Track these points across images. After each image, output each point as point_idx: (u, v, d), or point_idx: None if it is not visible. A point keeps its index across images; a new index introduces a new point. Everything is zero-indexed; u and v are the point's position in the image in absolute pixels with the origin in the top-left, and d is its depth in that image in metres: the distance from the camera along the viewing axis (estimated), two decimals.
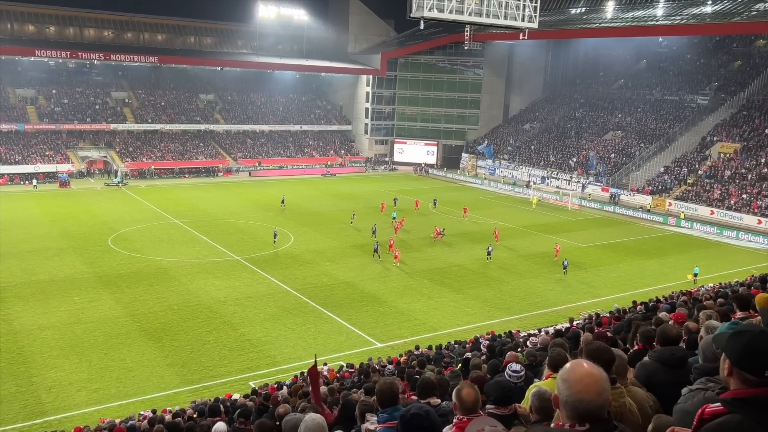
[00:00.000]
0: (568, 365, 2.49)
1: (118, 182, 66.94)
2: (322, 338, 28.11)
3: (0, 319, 28.65)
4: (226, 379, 23.88)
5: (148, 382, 23.27)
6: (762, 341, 2.40)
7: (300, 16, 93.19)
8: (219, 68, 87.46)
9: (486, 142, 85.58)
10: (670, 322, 6.60)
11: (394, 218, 51.43)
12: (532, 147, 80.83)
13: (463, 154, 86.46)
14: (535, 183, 72.03)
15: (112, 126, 76.62)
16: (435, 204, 60.45)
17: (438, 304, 33.39)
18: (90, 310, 30.43)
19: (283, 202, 57.33)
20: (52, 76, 79.47)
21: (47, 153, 70.35)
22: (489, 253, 42.05)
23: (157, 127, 79.86)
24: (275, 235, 43.79)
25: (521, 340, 18.28)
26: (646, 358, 4.27)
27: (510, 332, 23.67)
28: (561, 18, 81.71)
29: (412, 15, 25.96)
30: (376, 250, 40.97)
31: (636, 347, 6.16)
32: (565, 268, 39.44)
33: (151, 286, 34.13)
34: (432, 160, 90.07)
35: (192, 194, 63.49)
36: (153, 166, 73.44)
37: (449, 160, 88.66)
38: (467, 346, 20.76)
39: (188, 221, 50.69)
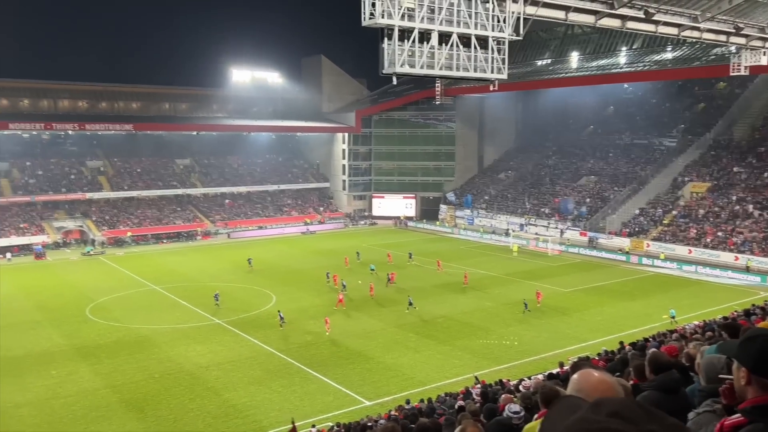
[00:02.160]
0: (576, 376, 2.35)
1: (89, 251, 65.97)
2: (308, 399, 27.41)
3: None
4: None
5: None
6: None
7: (274, 78, 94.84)
8: (195, 133, 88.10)
9: (456, 192, 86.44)
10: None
11: (372, 270, 52.14)
12: (509, 195, 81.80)
13: (441, 206, 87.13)
14: (514, 231, 72.57)
15: (88, 195, 76.10)
16: (411, 257, 60.15)
17: (425, 357, 32.91)
18: (68, 383, 29.44)
19: (250, 262, 56.88)
20: (26, 149, 79.21)
21: (21, 225, 69.40)
22: (526, 306, 41.16)
23: (134, 193, 79.51)
24: (216, 298, 43.30)
25: (513, 386, 18.00)
26: (646, 391, 4.18)
27: (500, 381, 23.33)
28: (528, 70, 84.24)
29: (384, 72, 26.46)
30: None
31: (630, 383, 6.05)
32: (526, 306, 40.58)
33: (131, 355, 33.24)
34: (411, 212, 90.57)
35: (170, 259, 62.75)
36: (130, 233, 72.71)
37: (428, 212, 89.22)
38: (458, 397, 20.38)
39: (167, 287, 49.89)
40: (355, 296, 45.31)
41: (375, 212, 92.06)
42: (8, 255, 62.87)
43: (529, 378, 21.89)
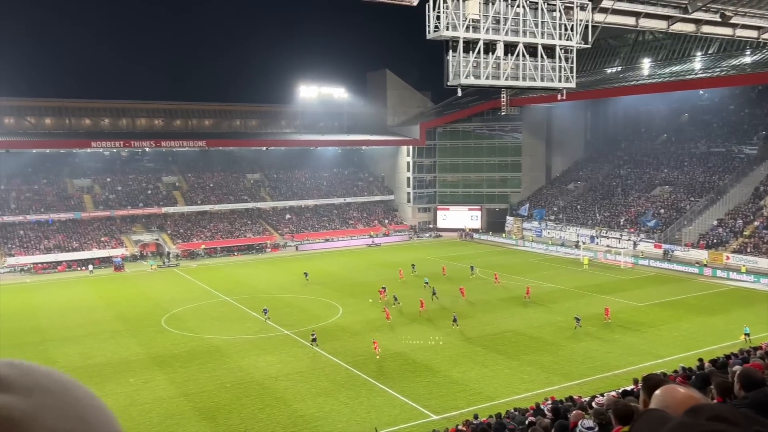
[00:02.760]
0: (660, 392, 2.23)
1: (152, 264, 68.40)
2: (375, 412, 27.44)
3: None
4: None
5: None
6: None
7: (340, 93, 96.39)
8: (264, 148, 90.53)
9: (528, 205, 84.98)
10: None
11: (426, 284, 51.71)
12: (578, 206, 79.85)
13: (508, 217, 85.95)
14: (584, 243, 70.72)
15: (164, 209, 79.32)
16: (473, 270, 59.37)
17: (493, 372, 32.40)
18: (145, 391, 30.58)
19: (306, 276, 57.44)
20: (106, 165, 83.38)
21: (102, 239, 72.95)
22: (578, 322, 40.06)
23: (206, 207, 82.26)
24: (265, 312, 43.98)
25: (585, 403, 17.46)
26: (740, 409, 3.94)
27: (571, 397, 22.68)
28: (598, 78, 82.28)
29: (449, 84, 26.47)
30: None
31: (714, 401, 5.77)
32: (578, 322, 39.19)
33: (204, 365, 34.24)
34: (476, 224, 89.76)
35: (241, 271, 64.42)
36: (203, 246, 75.19)
37: (494, 224, 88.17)
38: (528, 413, 19.94)
39: (238, 298, 51.21)
40: (437, 306, 45.17)
41: (439, 224, 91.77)
42: (90, 267, 66.11)
43: (602, 395, 21.19)
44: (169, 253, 72.68)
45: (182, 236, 76.81)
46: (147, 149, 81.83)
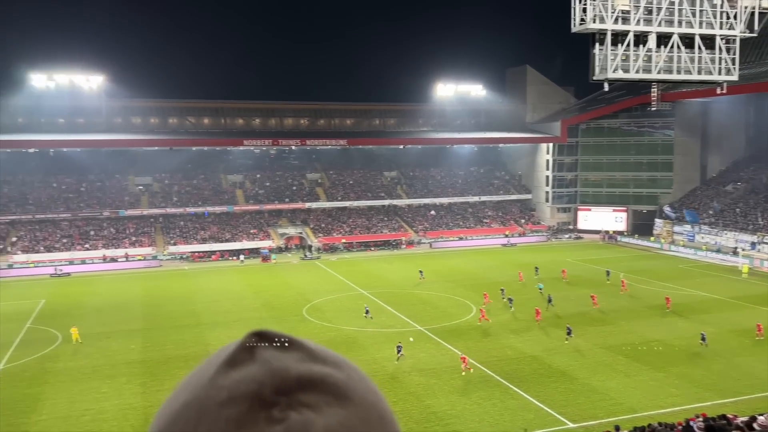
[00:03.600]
0: None
1: (274, 258, 71.34)
2: (509, 415, 26.98)
3: None
4: None
5: None
6: None
7: (477, 91, 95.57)
8: (401, 147, 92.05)
9: (674, 205, 79.13)
10: None
11: (540, 289, 49.44)
12: (738, 210, 73.16)
13: (656, 220, 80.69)
14: (743, 249, 64.70)
15: (307, 204, 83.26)
16: (608, 275, 56.02)
17: (636, 382, 30.63)
18: None
19: (421, 274, 57.16)
20: (256, 162, 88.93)
21: (252, 231, 78.00)
22: (703, 339, 36.65)
23: (346, 204, 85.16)
24: (367, 311, 43.94)
25: (742, 423, 16.00)
26: None
27: (724, 416, 20.87)
28: (763, 70, 74.75)
29: (594, 78, 25.34)
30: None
31: None
32: (703, 339, 35.57)
33: (341, 355, 35.41)
34: (620, 226, 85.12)
35: (377, 266, 66.03)
36: (343, 241, 77.96)
37: (640, 227, 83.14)
38: (675, 429, 18.64)
39: (374, 292, 52.52)
40: (561, 313, 43.73)
41: (580, 225, 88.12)
42: (241, 257, 70.91)
43: (761, 415, 19.32)
44: (311, 246, 76.15)
45: (323, 230, 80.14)
46: (293, 147, 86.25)
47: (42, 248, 69.56)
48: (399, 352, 33.50)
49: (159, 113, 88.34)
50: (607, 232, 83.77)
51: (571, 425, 25.80)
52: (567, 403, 28.15)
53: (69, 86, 78.64)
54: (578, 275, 57.62)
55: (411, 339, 33.18)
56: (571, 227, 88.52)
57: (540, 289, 49.75)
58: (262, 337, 1.18)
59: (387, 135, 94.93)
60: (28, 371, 33.91)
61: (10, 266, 65.68)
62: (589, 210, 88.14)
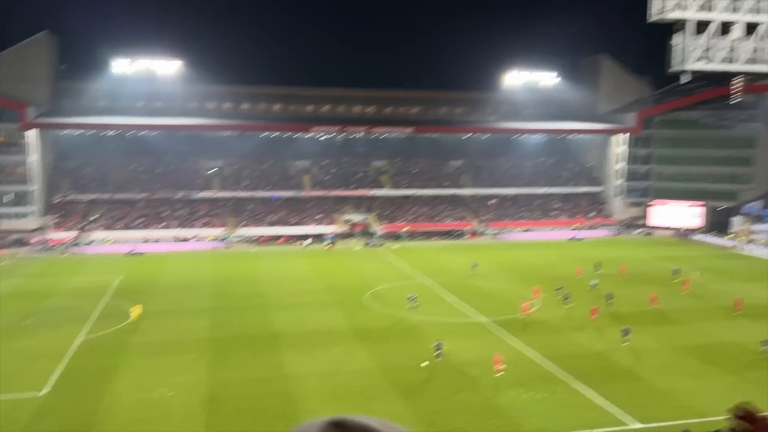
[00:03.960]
0: None
1: (330, 241, 71.96)
2: (571, 412, 26.51)
3: (275, 364, 32.31)
4: None
5: None
6: None
7: (547, 79, 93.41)
8: (468, 135, 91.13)
9: (757, 204, 75.14)
10: None
11: (593, 286, 48.15)
12: None
13: (734, 217, 76.97)
14: None
15: (372, 192, 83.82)
16: (676, 273, 53.71)
17: (707, 385, 29.47)
18: (348, 361, 32.78)
19: (474, 266, 56.41)
20: (323, 149, 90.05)
21: (317, 216, 79.23)
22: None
23: (410, 192, 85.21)
24: (412, 299, 43.39)
25: None
26: None
27: None
28: None
29: (672, 70, 24.32)
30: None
31: None
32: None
33: (401, 342, 35.72)
34: (695, 223, 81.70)
35: (440, 256, 65.89)
36: (406, 229, 78.12)
37: (717, 224, 79.54)
38: None
39: (436, 281, 52.47)
40: (628, 310, 42.54)
41: (652, 221, 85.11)
42: (308, 240, 72.20)
43: None
44: (374, 234, 76.70)
45: (387, 218, 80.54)
46: (359, 135, 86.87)
47: (120, 226, 72.96)
48: (438, 349, 32.22)
49: (232, 98, 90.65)
50: (680, 228, 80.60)
51: (637, 425, 25.13)
52: (633, 402, 27.39)
53: (148, 71, 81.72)
54: (643, 272, 55.88)
55: (426, 363, 31.30)
56: (642, 222, 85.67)
57: (593, 285, 48.56)
58: (339, 426, 1.14)
59: (453, 123, 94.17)
60: (105, 343, 35.76)
61: (91, 243, 69.27)
62: (663, 205, 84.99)
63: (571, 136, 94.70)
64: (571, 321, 40.45)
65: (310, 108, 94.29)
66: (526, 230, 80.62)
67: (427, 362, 31.22)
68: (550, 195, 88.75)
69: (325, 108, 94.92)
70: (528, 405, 27.15)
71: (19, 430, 24.55)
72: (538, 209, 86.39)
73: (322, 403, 27.13)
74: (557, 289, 46.85)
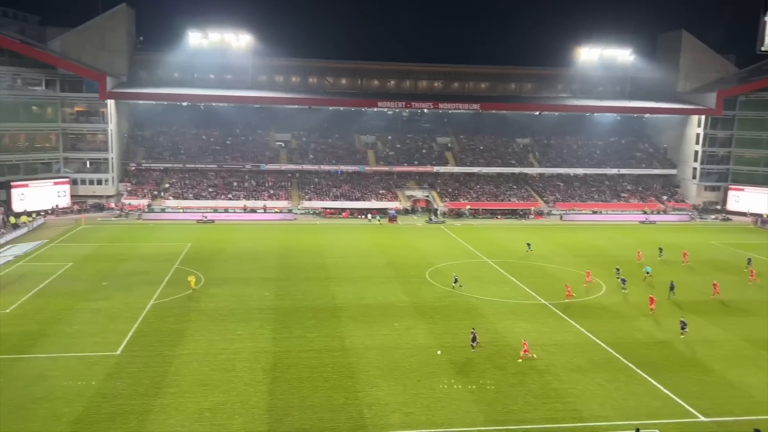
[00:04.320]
0: None
1: (378, 219, 71.57)
2: (633, 400, 25.86)
3: (336, 335, 32.86)
4: (529, 425, 23.48)
5: (455, 415, 24.10)
6: None
7: (624, 56, 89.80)
8: (537, 113, 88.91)
9: None
10: None
11: (647, 273, 46.88)
12: None
13: None
14: None
15: (435, 168, 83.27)
16: (750, 263, 51.20)
17: None
18: (407, 337, 32.98)
19: (529, 246, 55.57)
20: (388, 124, 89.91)
21: (380, 191, 79.46)
22: None
23: (475, 169, 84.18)
24: (456, 281, 43.15)
25: None
26: None
27: None
28: None
29: (763, 49, 22.81)
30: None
31: None
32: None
33: (460, 321, 35.62)
34: None
35: (503, 235, 65.03)
36: (469, 207, 77.39)
37: None
38: None
39: (498, 261, 51.92)
40: (696, 299, 40.96)
41: (730, 206, 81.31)
42: (371, 216, 72.65)
43: None
44: (436, 210, 76.38)
45: (450, 195, 79.96)
46: (425, 110, 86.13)
47: (191, 195, 75.38)
48: (474, 340, 31.47)
49: (300, 72, 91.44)
50: (760, 215, 76.62)
51: (702, 419, 24.28)
52: (700, 395, 26.47)
53: (220, 44, 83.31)
54: (713, 259, 53.67)
55: (438, 352, 30.69)
56: (719, 207, 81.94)
57: (647, 272, 47.21)
58: None
59: (522, 100, 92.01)
60: (174, 308, 37.23)
61: (163, 210, 71.96)
62: (743, 190, 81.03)
63: (646, 116, 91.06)
64: (630, 307, 39.32)
65: (376, 82, 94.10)
66: (595, 212, 78.44)
67: (440, 351, 30.87)
68: (621, 176, 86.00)
69: (392, 83, 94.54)
70: (588, 390, 26.65)
71: (95, 387, 25.97)
72: (609, 191, 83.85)
73: (381, 377, 27.43)
74: (617, 275, 45.76)
